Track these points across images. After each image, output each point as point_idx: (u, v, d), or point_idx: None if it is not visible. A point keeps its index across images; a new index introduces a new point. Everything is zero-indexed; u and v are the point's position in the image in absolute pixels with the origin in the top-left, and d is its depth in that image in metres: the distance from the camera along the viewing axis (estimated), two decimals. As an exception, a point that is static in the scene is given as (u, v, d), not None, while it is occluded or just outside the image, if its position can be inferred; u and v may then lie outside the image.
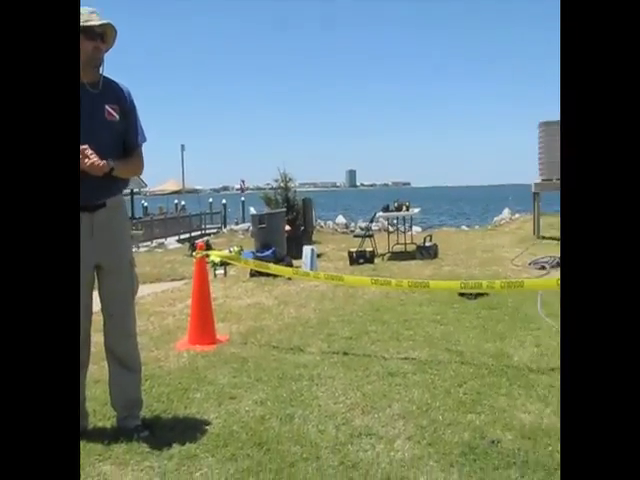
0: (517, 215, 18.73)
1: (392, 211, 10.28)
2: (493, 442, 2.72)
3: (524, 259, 8.59)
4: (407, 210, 10.25)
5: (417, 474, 2.47)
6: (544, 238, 11.33)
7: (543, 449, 2.65)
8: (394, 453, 2.66)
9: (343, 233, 15.87)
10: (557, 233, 11.84)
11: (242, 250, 9.52)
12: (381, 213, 10.49)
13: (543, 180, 11.81)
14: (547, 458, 2.57)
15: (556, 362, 3.87)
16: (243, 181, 31.69)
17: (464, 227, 18.82)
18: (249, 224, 14.71)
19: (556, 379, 3.55)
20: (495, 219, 19.61)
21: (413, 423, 2.98)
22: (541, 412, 3.07)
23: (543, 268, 7.75)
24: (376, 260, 9.21)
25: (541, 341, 4.37)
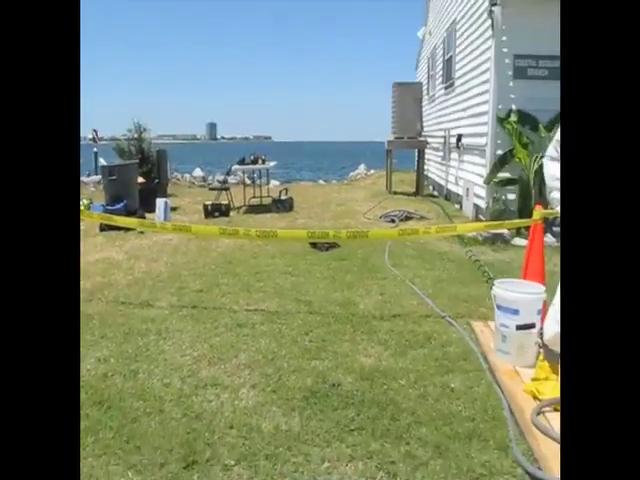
0: (372, 171, 19.42)
1: (248, 164, 10.20)
2: (334, 385, 2.85)
3: (375, 212, 8.96)
4: (263, 163, 10.22)
5: (260, 420, 2.53)
6: (395, 193, 11.89)
7: (379, 388, 2.83)
8: (238, 402, 2.70)
9: (200, 186, 15.49)
10: (408, 188, 12.48)
11: (91, 203, 8.98)
12: (237, 166, 10.37)
13: (395, 138, 12.29)
14: (382, 396, 2.75)
15: (397, 309, 4.12)
16: (96, 131, 29.49)
17: (321, 181, 19.19)
18: (101, 176, 13.85)
19: (396, 324, 3.78)
20: (351, 174, 20.19)
21: (259, 372, 3.03)
22: (380, 355, 3.26)
23: (392, 221, 8.15)
24: (232, 213, 9.13)
25: (386, 290, 4.62)
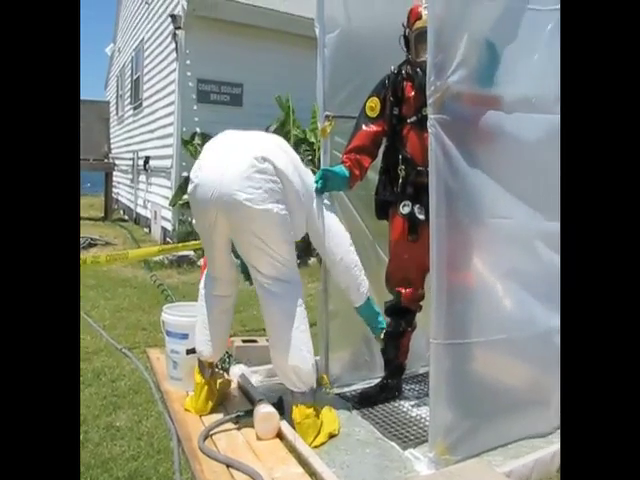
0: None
1: None
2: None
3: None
4: None
5: None
6: (82, 219, 11.11)
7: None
8: None
9: None
10: (97, 213, 11.80)
11: None
12: None
13: (80, 159, 11.52)
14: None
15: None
16: None
17: None
18: None
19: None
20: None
21: None
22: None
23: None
24: None
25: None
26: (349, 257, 2.63)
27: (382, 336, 2.78)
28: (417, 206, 2.63)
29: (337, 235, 2.65)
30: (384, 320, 2.79)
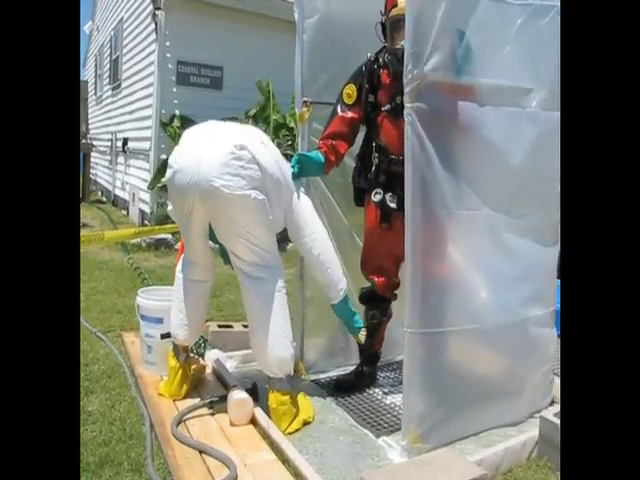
0: None
1: None
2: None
3: None
4: None
5: None
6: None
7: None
8: None
9: None
10: (74, 194, 11.62)
11: None
12: None
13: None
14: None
15: None
16: None
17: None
18: None
19: None
20: None
21: None
22: None
23: None
24: None
25: None
26: (326, 254, 2.62)
27: (361, 336, 2.77)
28: (389, 194, 2.63)
29: (315, 231, 2.63)
30: (360, 320, 2.79)
